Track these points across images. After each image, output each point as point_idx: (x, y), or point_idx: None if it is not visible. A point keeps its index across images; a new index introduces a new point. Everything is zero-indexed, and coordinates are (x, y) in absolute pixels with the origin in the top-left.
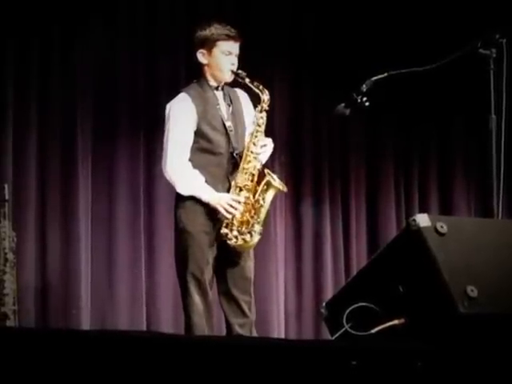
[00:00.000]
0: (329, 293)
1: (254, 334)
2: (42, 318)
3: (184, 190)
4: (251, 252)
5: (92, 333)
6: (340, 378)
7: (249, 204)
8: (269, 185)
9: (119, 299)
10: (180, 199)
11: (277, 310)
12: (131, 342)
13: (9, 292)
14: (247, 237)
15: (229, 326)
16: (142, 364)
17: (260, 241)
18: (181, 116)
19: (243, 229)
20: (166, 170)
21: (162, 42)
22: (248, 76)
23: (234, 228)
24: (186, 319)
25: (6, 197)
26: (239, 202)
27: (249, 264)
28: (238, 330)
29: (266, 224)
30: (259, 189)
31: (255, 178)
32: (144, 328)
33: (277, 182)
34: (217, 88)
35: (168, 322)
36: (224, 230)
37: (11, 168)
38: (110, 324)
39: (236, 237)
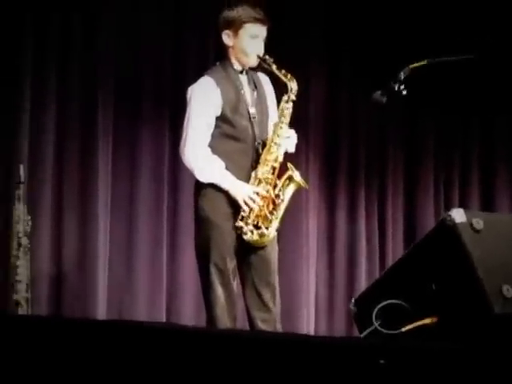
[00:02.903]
0: (361, 290)
1: (279, 329)
2: (56, 306)
3: (204, 176)
4: (275, 242)
5: (107, 323)
6: (368, 377)
7: (268, 198)
8: (290, 180)
9: (138, 287)
10: (200, 186)
11: (306, 306)
12: (148, 334)
13: (22, 279)
14: (263, 232)
15: (251, 320)
16: (159, 357)
17: (292, 234)
18: (203, 100)
19: (260, 223)
20: (185, 155)
21: (189, 21)
22: (276, 63)
23: (250, 222)
24: (207, 312)
25: (22, 178)
26: (260, 196)
27: (273, 255)
28: (261, 324)
29: (283, 221)
30: (280, 183)
31: (276, 171)
32: (163, 319)
33: (298, 177)
34: (241, 72)
35: (189, 313)
36: (239, 223)
37: (27, 147)
38: (127, 313)
39: (252, 231)
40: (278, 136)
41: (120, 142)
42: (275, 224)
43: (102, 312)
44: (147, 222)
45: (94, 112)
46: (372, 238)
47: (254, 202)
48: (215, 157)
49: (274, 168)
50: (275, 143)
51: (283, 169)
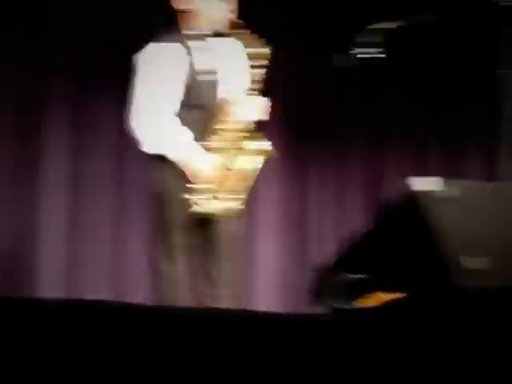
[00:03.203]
0: (321, 265)
1: (234, 306)
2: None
3: (159, 148)
4: (235, 216)
5: (54, 302)
6: (329, 354)
7: (230, 169)
8: (257, 150)
9: (84, 266)
10: (155, 158)
11: (263, 282)
12: (96, 312)
13: None
14: (225, 204)
15: (203, 297)
16: (107, 335)
17: (246, 207)
18: (164, 65)
19: (220, 195)
20: (133, 123)
21: None
22: (247, 27)
23: (211, 195)
24: (156, 289)
25: None
26: (221, 166)
27: (232, 229)
28: (213, 302)
29: (247, 191)
30: (243, 153)
31: (242, 140)
32: (110, 294)
33: (266, 147)
34: (204, 36)
35: (138, 291)
36: (196, 196)
37: None
38: (72, 290)
39: (211, 203)
40: (242, 103)
41: (71, 109)
42: (237, 196)
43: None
44: (94, 196)
45: (43, 83)
46: (331, 208)
47: (215, 173)
48: (181, 126)
49: (237, 137)
50: (239, 111)
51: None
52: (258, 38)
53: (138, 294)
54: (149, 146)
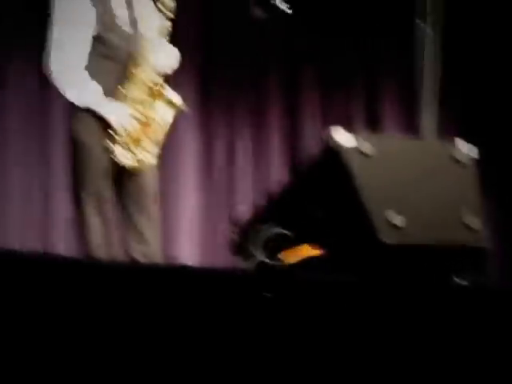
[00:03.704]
0: (241, 218)
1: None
2: None
3: (76, 100)
4: (154, 169)
5: None
6: (252, 310)
7: (144, 121)
8: (167, 101)
9: (11, 216)
10: (75, 109)
11: (186, 236)
12: (24, 263)
13: None
14: (139, 157)
15: (130, 253)
16: (32, 287)
17: (168, 160)
18: (77, 17)
19: (136, 148)
20: (53, 75)
21: None
22: None
23: (125, 146)
24: (82, 242)
25: None
26: (135, 118)
27: (152, 183)
28: (139, 258)
29: (161, 145)
30: (156, 105)
31: (154, 92)
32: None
33: (175, 99)
34: None
35: (65, 246)
36: (115, 147)
37: None
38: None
39: (127, 156)
40: (153, 54)
41: None
42: (152, 149)
43: None
44: (18, 149)
45: None
46: (248, 161)
47: (129, 124)
48: (91, 80)
49: (150, 88)
50: (150, 62)
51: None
52: None
53: (62, 244)
54: (67, 94)
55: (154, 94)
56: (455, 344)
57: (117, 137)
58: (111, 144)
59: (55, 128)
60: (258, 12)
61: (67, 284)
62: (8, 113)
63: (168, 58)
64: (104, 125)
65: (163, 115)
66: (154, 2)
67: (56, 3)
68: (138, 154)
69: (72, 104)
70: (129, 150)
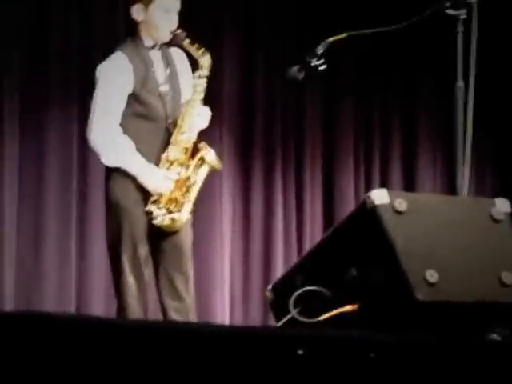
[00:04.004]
0: (278, 276)
1: (193, 318)
2: None
3: (110, 160)
4: (189, 227)
5: (15, 314)
6: (285, 368)
7: (179, 181)
8: (203, 160)
9: (46, 279)
10: (111, 169)
11: (221, 293)
12: (58, 326)
13: None
14: (175, 216)
15: (164, 309)
16: (70, 350)
17: (204, 217)
18: (114, 76)
19: (171, 207)
20: (91, 137)
21: None
22: (191, 36)
23: (162, 206)
24: (118, 301)
25: None
26: (171, 179)
27: (186, 241)
28: (174, 314)
29: (196, 203)
30: (192, 164)
31: (189, 152)
32: (73, 311)
33: (211, 158)
34: (153, 48)
35: (100, 306)
36: (150, 208)
37: None
38: (35, 304)
39: (163, 216)
40: (189, 115)
41: (27, 123)
42: (187, 207)
43: (8, 302)
44: (55, 212)
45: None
46: (289, 219)
47: (164, 186)
48: (125, 137)
49: (186, 148)
50: (186, 122)
51: (197, 148)
52: (200, 48)
53: (100, 306)
54: (105, 158)
55: (189, 153)
56: None
57: (151, 197)
58: (149, 204)
59: (93, 187)
60: (293, 72)
61: (103, 346)
62: (45, 168)
63: (203, 117)
64: (140, 185)
65: (198, 174)
66: (191, 60)
67: (98, 71)
68: (173, 213)
69: (109, 166)
70: (163, 209)
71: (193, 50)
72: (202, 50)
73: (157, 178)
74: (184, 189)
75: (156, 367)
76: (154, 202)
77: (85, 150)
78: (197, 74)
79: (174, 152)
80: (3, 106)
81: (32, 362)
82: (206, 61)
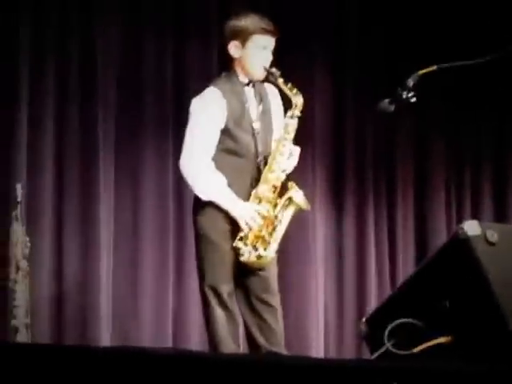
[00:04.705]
0: (372, 308)
1: (284, 351)
2: (57, 333)
3: (203, 193)
4: (274, 263)
5: (111, 350)
6: None
7: (267, 218)
8: (290, 200)
9: (143, 312)
10: (200, 202)
11: (316, 326)
12: (154, 361)
13: (20, 304)
14: (261, 254)
15: (253, 341)
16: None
17: (299, 251)
18: (208, 111)
19: (258, 244)
20: (185, 169)
21: (191, 32)
22: (283, 75)
23: (249, 243)
24: (208, 334)
25: (19, 198)
26: (260, 215)
27: (272, 275)
28: (267, 346)
29: (282, 242)
30: (280, 203)
31: (277, 190)
32: (169, 345)
33: (300, 199)
34: (247, 84)
35: (196, 340)
36: (238, 244)
37: (25, 166)
38: (132, 340)
39: (250, 252)
40: (280, 154)
41: (122, 158)
42: (274, 246)
43: (105, 338)
44: (152, 244)
45: (94, 127)
46: (382, 250)
47: (254, 221)
48: (217, 172)
49: (275, 187)
50: (277, 161)
51: (285, 187)
52: (294, 88)
53: (196, 343)
54: (198, 191)
55: (277, 192)
56: None
57: (241, 233)
58: (237, 241)
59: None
60: (385, 105)
61: (198, 379)
62: (141, 206)
63: (293, 157)
64: (228, 219)
65: (284, 213)
66: (283, 99)
67: (192, 104)
68: (260, 250)
69: (197, 199)
70: (251, 246)
71: (286, 89)
72: (296, 90)
73: (249, 212)
74: (271, 227)
75: None
76: (241, 239)
77: (180, 184)
78: (289, 113)
79: (263, 190)
80: (98, 139)
81: None
82: (298, 100)
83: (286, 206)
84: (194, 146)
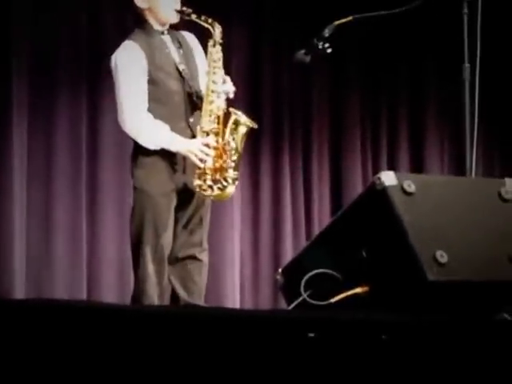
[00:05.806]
0: (288, 259)
1: (201, 302)
2: None
3: (151, 143)
4: (208, 218)
5: (25, 302)
6: (296, 351)
7: (219, 148)
8: (237, 123)
9: (57, 263)
10: (139, 157)
11: (231, 278)
12: (69, 312)
13: None
14: (223, 184)
15: (175, 293)
16: (80, 337)
17: (214, 203)
18: (131, 65)
19: (217, 177)
20: (126, 124)
21: None
22: (196, 12)
23: (208, 178)
24: (135, 288)
25: None
26: (210, 146)
27: (205, 228)
28: (186, 298)
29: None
30: (227, 130)
31: (221, 120)
32: (83, 294)
33: (245, 119)
34: (163, 33)
35: (111, 290)
36: (197, 182)
37: None
38: (46, 291)
39: (211, 187)
40: (213, 82)
41: (35, 114)
42: (233, 173)
43: (19, 290)
44: (65, 195)
45: (7, 84)
46: (297, 202)
47: (205, 154)
48: (158, 121)
49: (218, 117)
50: (212, 91)
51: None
52: (208, 18)
53: (111, 293)
54: (145, 142)
55: (222, 122)
56: (503, 380)
57: (197, 170)
58: (196, 179)
59: (103, 173)
60: (301, 55)
61: (115, 332)
62: (55, 152)
63: (227, 83)
64: (167, 173)
65: (236, 136)
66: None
67: (112, 59)
68: (222, 181)
69: (136, 152)
70: (211, 180)
71: (201, 21)
72: (211, 20)
73: (197, 146)
74: (225, 156)
75: (167, 351)
76: (199, 178)
77: (94, 137)
78: (210, 42)
79: (206, 122)
80: (11, 95)
81: (43, 349)
82: (216, 29)
83: (234, 130)
84: (129, 100)
